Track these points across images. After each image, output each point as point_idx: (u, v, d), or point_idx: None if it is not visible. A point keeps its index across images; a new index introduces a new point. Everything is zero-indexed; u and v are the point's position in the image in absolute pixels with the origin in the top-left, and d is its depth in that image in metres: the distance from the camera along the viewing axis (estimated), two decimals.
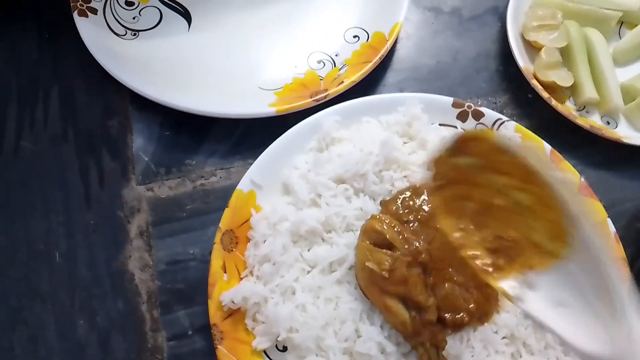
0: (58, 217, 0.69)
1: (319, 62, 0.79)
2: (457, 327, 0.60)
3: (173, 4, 0.82)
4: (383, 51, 0.76)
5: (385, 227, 0.59)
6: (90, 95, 0.76)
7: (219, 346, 0.59)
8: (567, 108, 0.76)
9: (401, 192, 0.65)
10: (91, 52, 0.74)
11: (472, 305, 0.60)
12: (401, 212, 0.63)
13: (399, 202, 0.64)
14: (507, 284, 0.49)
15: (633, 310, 0.42)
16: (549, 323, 0.46)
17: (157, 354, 0.63)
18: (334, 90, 0.73)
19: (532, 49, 0.81)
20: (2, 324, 0.63)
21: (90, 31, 0.76)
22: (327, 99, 0.72)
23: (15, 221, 0.68)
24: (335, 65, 0.78)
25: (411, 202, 0.64)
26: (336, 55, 0.79)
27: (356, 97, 0.72)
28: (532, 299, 0.48)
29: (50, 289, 0.65)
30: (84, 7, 0.78)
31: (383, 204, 0.64)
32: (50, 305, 0.64)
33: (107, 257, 0.67)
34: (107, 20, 0.79)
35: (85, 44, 0.75)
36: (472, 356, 0.59)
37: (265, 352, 0.60)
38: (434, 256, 0.60)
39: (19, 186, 0.70)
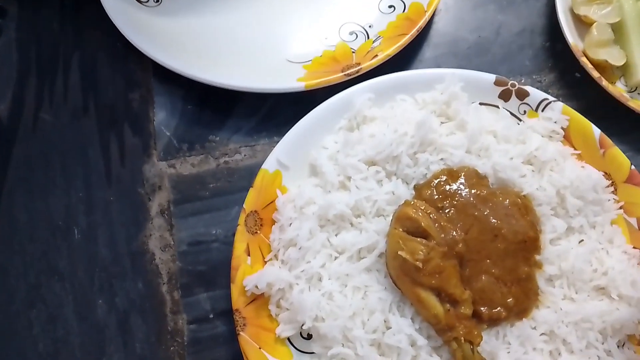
0: (78, 193, 0.67)
1: (351, 33, 0.75)
2: (494, 322, 0.56)
3: None
4: (421, 23, 0.71)
5: (420, 214, 0.55)
6: (112, 67, 0.74)
7: (241, 332, 0.56)
8: (618, 89, 0.71)
9: (436, 175, 0.61)
10: (113, 22, 0.71)
11: (510, 300, 0.56)
12: (436, 197, 0.59)
13: (434, 186, 0.60)
14: None
15: None
16: None
17: (177, 337, 0.61)
18: (367, 65, 0.68)
19: (582, 24, 0.75)
20: (21, 301, 0.62)
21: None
22: (359, 74, 0.68)
23: (35, 196, 0.66)
24: (368, 37, 0.74)
25: (447, 187, 0.60)
26: (370, 26, 0.75)
27: (390, 73, 0.68)
28: None
29: (69, 267, 0.63)
30: None
31: (417, 188, 0.60)
32: (68, 284, 0.63)
33: (127, 235, 0.65)
34: None
35: (107, 13, 0.72)
36: (508, 353, 0.56)
37: (289, 339, 0.58)
38: (471, 247, 0.56)
39: (39, 160, 0.68)
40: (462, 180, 0.60)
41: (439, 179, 0.60)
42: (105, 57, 0.74)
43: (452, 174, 0.61)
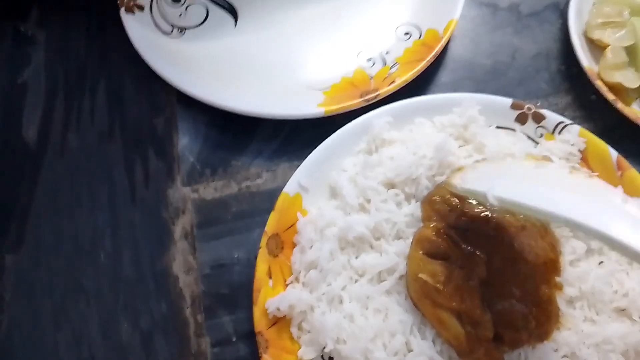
0: (104, 215, 0.68)
1: (368, 60, 0.76)
2: (515, 344, 0.56)
3: (219, 1, 0.81)
4: (437, 49, 0.72)
5: (440, 237, 0.56)
6: (137, 91, 0.76)
7: (264, 355, 0.57)
8: (634, 111, 0.71)
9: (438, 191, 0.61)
10: (137, 50, 0.73)
11: (531, 323, 0.56)
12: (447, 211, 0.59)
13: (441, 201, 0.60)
14: None
15: None
16: None
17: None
18: (385, 90, 0.70)
19: (596, 48, 0.76)
20: (47, 320, 0.63)
21: (137, 28, 0.75)
22: (377, 99, 0.69)
23: (61, 218, 0.68)
24: (385, 64, 0.75)
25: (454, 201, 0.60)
26: (387, 53, 0.76)
27: (408, 97, 0.69)
28: None
29: (95, 288, 0.65)
30: (131, 4, 0.77)
31: (424, 204, 0.60)
32: (94, 303, 0.64)
33: (151, 257, 0.66)
34: (154, 17, 0.78)
35: (132, 41, 0.74)
36: None
37: None
38: (492, 268, 0.57)
39: (65, 182, 0.70)
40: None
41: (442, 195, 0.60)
42: (130, 82, 0.76)
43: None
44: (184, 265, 0.66)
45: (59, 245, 0.67)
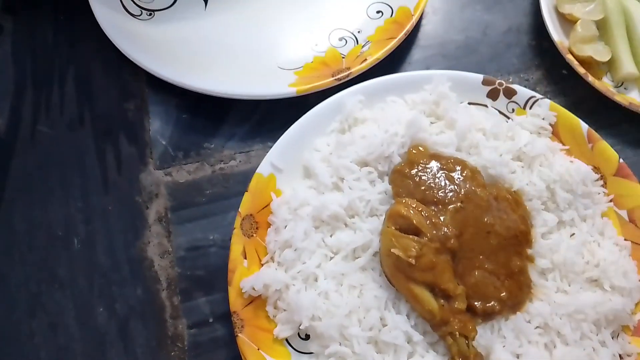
0: (76, 203, 0.68)
1: (340, 39, 0.76)
2: (488, 316, 0.57)
3: None
4: (408, 27, 0.72)
5: (412, 211, 0.56)
6: (107, 78, 0.75)
7: (239, 334, 0.57)
8: (605, 84, 0.72)
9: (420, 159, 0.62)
10: (106, 34, 0.72)
11: (503, 294, 0.57)
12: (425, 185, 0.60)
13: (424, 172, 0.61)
14: None
15: None
16: None
17: (177, 342, 0.62)
18: (357, 69, 0.70)
19: (567, 22, 0.76)
20: (22, 310, 0.63)
21: (105, 12, 0.74)
22: (349, 78, 0.69)
23: (34, 206, 0.67)
24: (357, 43, 0.75)
25: (439, 178, 0.60)
26: (358, 32, 0.76)
27: (380, 76, 0.69)
28: None
29: (69, 275, 0.64)
30: None
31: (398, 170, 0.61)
32: (69, 291, 0.63)
33: (125, 243, 0.66)
34: (122, 0, 0.76)
35: (101, 25, 0.73)
36: (504, 346, 0.56)
37: (287, 340, 0.59)
38: (464, 242, 0.57)
39: (37, 171, 0.69)
40: (459, 174, 0.61)
41: (424, 165, 0.61)
42: (100, 68, 0.75)
43: (448, 167, 0.61)
44: (158, 249, 0.65)
45: (32, 234, 0.66)
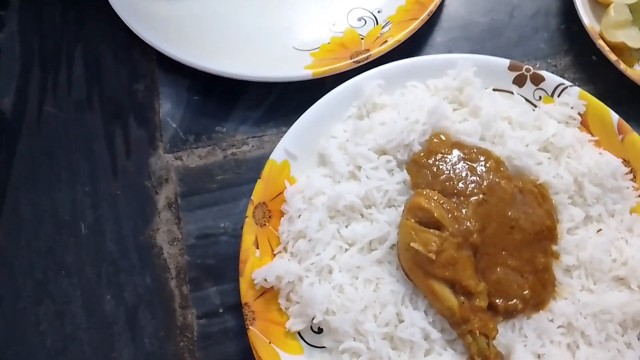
0: (84, 188, 0.66)
1: (359, 19, 0.73)
2: (510, 314, 0.55)
3: None
4: (432, 7, 0.69)
5: (433, 204, 0.54)
6: (116, 58, 0.72)
7: (250, 327, 0.55)
8: (637, 72, 0.69)
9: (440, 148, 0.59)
10: (117, 12, 0.70)
11: (526, 292, 0.55)
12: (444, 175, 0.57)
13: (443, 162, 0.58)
14: None
15: None
16: None
17: (186, 332, 0.60)
18: (377, 51, 0.67)
19: (598, 5, 0.73)
20: (28, 298, 0.61)
21: None
22: (368, 60, 0.67)
23: (40, 192, 0.66)
24: (377, 23, 0.72)
25: (461, 168, 0.58)
26: (379, 11, 0.73)
27: (401, 59, 0.66)
28: None
29: (76, 263, 0.63)
30: None
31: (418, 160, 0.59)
32: (76, 279, 0.62)
33: (134, 229, 0.64)
34: None
35: (111, 3, 0.71)
36: (525, 346, 0.54)
37: (299, 333, 0.57)
38: (486, 237, 0.55)
39: (44, 155, 0.68)
40: (482, 165, 0.58)
41: (444, 154, 0.59)
42: (109, 48, 0.73)
43: (471, 157, 0.59)
44: (168, 236, 0.63)
45: (38, 220, 0.65)
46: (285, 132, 0.62)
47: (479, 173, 0.58)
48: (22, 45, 0.73)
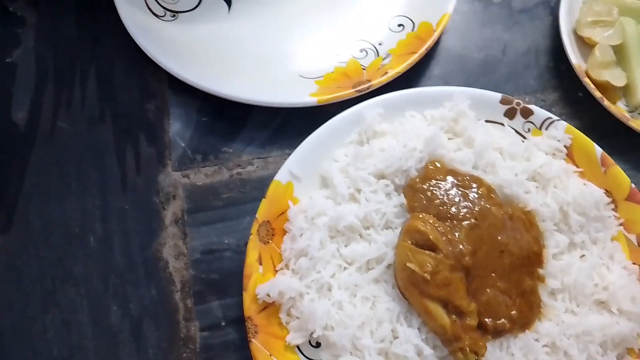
0: (94, 201, 0.68)
1: (361, 50, 0.76)
2: (498, 333, 0.58)
3: None
4: (430, 42, 0.73)
5: (428, 227, 0.57)
6: (128, 77, 0.75)
7: (253, 340, 0.58)
8: (620, 109, 0.73)
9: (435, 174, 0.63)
10: (130, 33, 0.73)
11: (514, 312, 0.58)
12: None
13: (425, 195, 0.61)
14: None
15: None
16: None
17: (189, 344, 0.62)
18: (378, 81, 0.70)
19: (585, 45, 0.77)
20: (35, 306, 0.63)
21: (129, 11, 0.74)
22: (369, 90, 0.70)
23: (50, 203, 0.68)
24: (378, 55, 0.75)
25: (454, 194, 0.61)
26: (380, 44, 0.77)
27: (400, 89, 0.69)
28: None
29: (84, 273, 0.65)
30: None
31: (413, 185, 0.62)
32: (83, 290, 0.64)
33: (141, 243, 0.66)
34: (147, 1, 0.77)
35: (124, 24, 0.73)
36: None
37: (298, 347, 0.59)
38: (478, 260, 0.58)
39: (55, 167, 0.70)
40: (475, 192, 0.61)
41: (438, 180, 0.62)
42: (122, 67, 0.76)
43: (464, 184, 0.62)
44: (174, 250, 0.66)
45: (48, 230, 0.66)
46: (289, 154, 0.65)
47: (471, 199, 0.61)
48: (37, 62, 0.75)
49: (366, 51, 0.76)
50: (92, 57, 0.76)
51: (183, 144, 0.71)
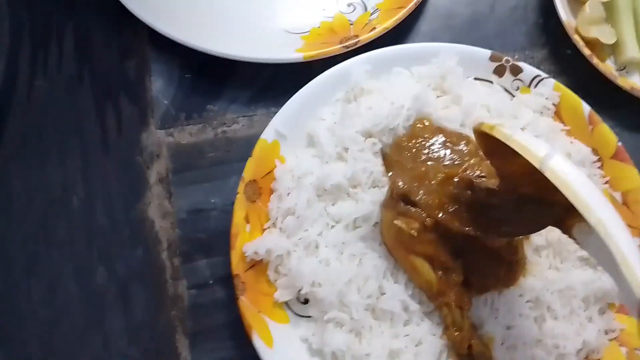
0: (75, 162, 0.67)
1: (349, 5, 0.75)
2: (483, 290, 0.59)
3: None
4: None
5: (411, 187, 0.57)
6: (107, 35, 0.73)
7: (241, 297, 0.58)
8: (608, 67, 0.72)
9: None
10: None
11: (501, 271, 0.58)
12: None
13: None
14: None
15: None
16: None
17: (177, 302, 0.62)
18: (365, 37, 0.69)
19: (575, 2, 0.76)
20: (20, 270, 0.62)
21: None
22: (357, 46, 0.69)
23: (31, 166, 0.66)
24: (366, 10, 0.74)
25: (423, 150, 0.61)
26: None
27: (387, 45, 0.68)
28: None
29: (68, 236, 0.64)
30: None
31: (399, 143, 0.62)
32: (68, 252, 0.63)
33: (125, 204, 0.65)
34: None
35: None
36: (496, 318, 0.58)
37: (286, 303, 0.60)
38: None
39: (34, 131, 0.68)
40: (463, 148, 0.61)
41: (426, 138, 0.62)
42: (100, 24, 0.73)
43: (452, 140, 0.62)
44: (159, 210, 0.65)
45: (29, 193, 0.65)
46: (275, 112, 0.64)
47: (458, 154, 0.61)
48: (11, 22, 0.72)
49: (354, 5, 0.74)
50: (69, 15, 0.73)
51: (166, 102, 0.70)
